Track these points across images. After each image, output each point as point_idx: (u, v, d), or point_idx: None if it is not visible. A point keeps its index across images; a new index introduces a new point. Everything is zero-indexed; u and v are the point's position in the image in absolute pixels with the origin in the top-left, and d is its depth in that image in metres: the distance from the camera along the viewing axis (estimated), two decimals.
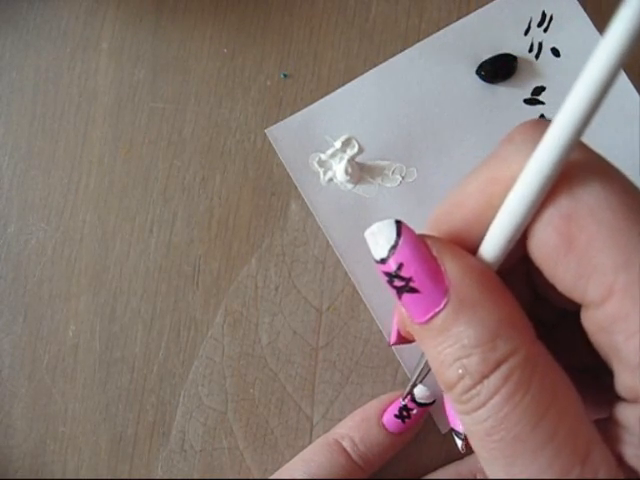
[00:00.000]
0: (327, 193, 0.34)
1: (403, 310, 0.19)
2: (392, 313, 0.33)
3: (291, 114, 0.35)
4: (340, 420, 0.33)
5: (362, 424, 0.31)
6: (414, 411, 0.30)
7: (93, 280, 0.34)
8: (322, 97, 0.35)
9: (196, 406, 0.33)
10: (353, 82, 0.35)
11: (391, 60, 0.35)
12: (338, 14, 0.36)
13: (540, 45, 0.35)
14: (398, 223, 0.19)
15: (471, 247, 0.20)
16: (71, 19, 0.35)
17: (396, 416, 0.30)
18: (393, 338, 0.27)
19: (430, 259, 0.19)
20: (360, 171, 0.34)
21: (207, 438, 0.33)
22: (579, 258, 0.17)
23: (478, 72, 0.35)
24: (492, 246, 0.19)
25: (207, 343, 0.34)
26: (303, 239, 0.34)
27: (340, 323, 0.34)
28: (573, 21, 0.35)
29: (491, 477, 0.19)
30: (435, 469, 0.32)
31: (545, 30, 0.35)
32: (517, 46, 0.35)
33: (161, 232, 0.34)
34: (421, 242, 0.19)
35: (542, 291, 0.23)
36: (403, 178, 0.34)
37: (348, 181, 0.34)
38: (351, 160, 0.34)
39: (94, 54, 0.35)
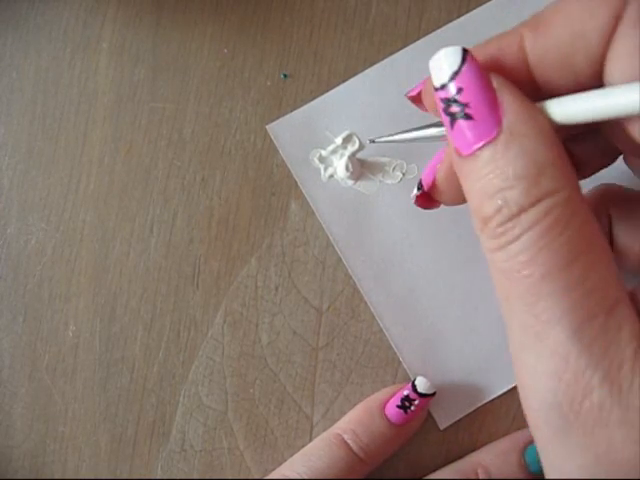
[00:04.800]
0: (327, 189, 0.34)
1: (451, 145, 0.20)
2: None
3: None
4: None
5: (364, 416, 0.31)
6: (416, 402, 0.30)
7: (93, 280, 0.34)
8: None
9: (196, 406, 0.33)
10: (354, 78, 0.35)
11: (393, 57, 0.35)
12: (338, 14, 0.36)
13: None
14: (465, 51, 0.20)
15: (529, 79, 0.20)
16: (71, 19, 0.35)
17: (398, 406, 0.31)
18: (427, 182, 0.26)
19: (489, 89, 0.19)
20: (361, 167, 0.34)
21: (207, 438, 0.33)
22: None
23: None
24: (567, 112, 0.19)
25: (207, 343, 0.34)
26: (303, 239, 0.34)
27: (340, 323, 0.34)
28: None
29: (509, 318, 0.19)
30: (435, 469, 0.32)
31: None
32: None
33: (161, 232, 0.34)
34: (484, 73, 0.19)
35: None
36: (404, 175, 0.34)
37: (349, 177, 0.34)
38: (352, 156, 0.34)
39: (94, 54, 0.35)
